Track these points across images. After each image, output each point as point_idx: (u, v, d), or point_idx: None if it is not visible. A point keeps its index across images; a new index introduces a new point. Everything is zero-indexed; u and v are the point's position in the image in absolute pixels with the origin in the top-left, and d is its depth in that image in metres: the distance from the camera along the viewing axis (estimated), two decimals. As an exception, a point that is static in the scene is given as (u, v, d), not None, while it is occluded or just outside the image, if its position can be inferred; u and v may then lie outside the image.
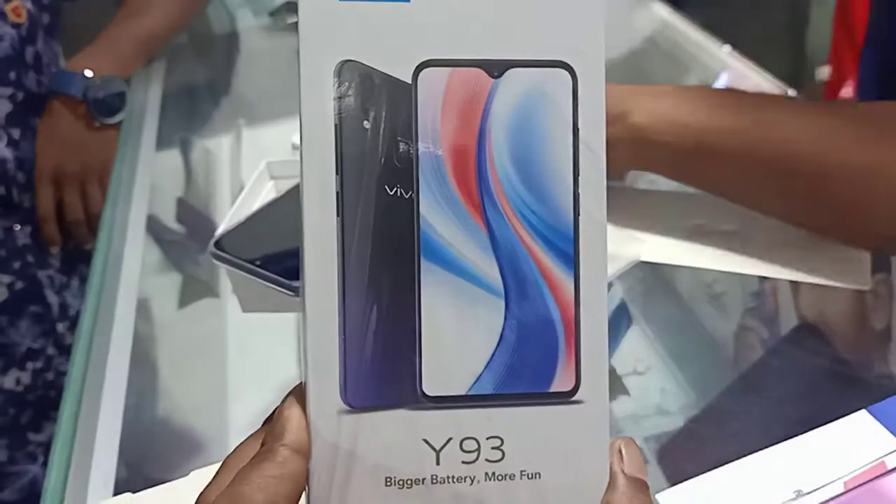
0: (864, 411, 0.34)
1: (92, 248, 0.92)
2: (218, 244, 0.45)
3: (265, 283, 0.43)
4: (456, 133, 0.24)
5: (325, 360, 0.24)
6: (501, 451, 0.24)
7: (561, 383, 0.24)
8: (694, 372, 0.68)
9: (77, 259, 0.93)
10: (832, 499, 0.30)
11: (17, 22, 0.84)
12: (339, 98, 0.24)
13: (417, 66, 0.24)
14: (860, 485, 0.30)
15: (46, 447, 0.88)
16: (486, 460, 0.24)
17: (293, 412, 0.24)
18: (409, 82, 0.24)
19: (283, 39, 1.13)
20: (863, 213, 0.41)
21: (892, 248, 0.44)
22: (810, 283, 0.55)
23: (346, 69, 0.24)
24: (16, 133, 0.85)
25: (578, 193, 0.24)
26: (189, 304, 0.82)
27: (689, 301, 0.72)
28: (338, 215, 0.24)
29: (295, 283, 0.41)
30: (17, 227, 0.86)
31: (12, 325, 0.86)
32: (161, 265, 0.83)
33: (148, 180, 0.79)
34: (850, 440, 0.32)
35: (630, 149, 0.46)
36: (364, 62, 0.24)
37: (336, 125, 0.24)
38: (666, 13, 0.81)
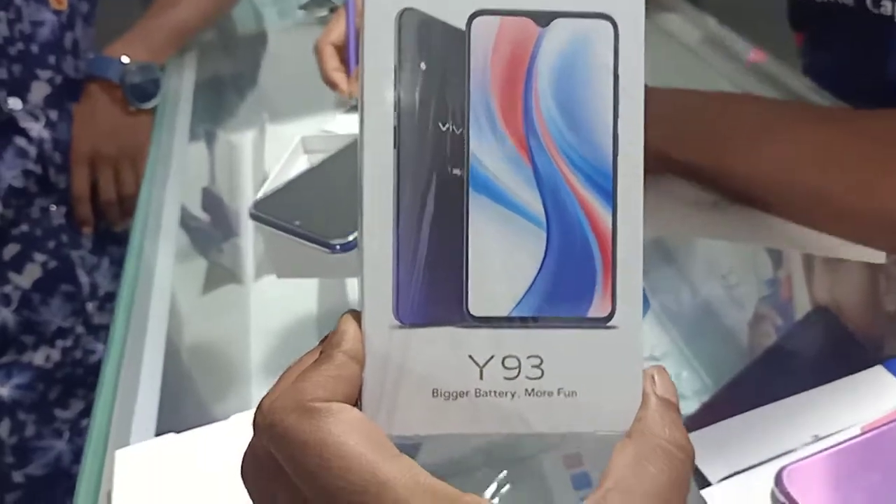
0: (879, 366, 0.35)
1: (123, 230, 0.95)
2: (258, 206, 0.48)
3: (303, 241, 0.45)
4: (505, 76, 0.26)
5: (380, 279, 0.26)
6: (541, 369, 0.26)
7: (598, 309, 0.26)
8: (709, 358, 0.70)
9: (108, 241, 0.95)
10: (849, 440, 0.31)
11: (58, 9, 0.87)
12: (399, 42, 0.26)
13: (471, 15, 0.26)
14: (876, 428, 0.31)
15: (72, 424, 0.90)
16: (527, 377, 0.26)
17: (350, 326, 0.26)
18: (463, 29, 0.26)
19: (309, 36, 1.15)
20: (865, 230, 0.42)
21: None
22: (824, 267, 0.57)
23: (406, 16, 0.26)
24: (53, 115, 0.88)
25: (618, 134, 0.26)
26: (212, 290, 0.84)
27: (704, 290, 0.74)
28: (394, 147, 0.26)
29: (332, 241, 0.44)
30: (53, 208, 0.89)
31: (44, 303, 0.88)
32: (185, 252, 0.85)
33: (182, 166, 0.82)
34: (867, 391, 0.34)
35: (655, 166, 0.48)
36: (422, 10, 0.26)
37: (395, 66, 0.26)
38: (686, 10, 0.83)
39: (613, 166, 0.26)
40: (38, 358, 0.88)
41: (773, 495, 0.32)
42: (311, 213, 0.47)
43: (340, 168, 0.51)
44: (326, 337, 0.27)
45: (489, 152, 0.26)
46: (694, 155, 0.47)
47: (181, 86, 0.92)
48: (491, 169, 0.26)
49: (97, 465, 0.41)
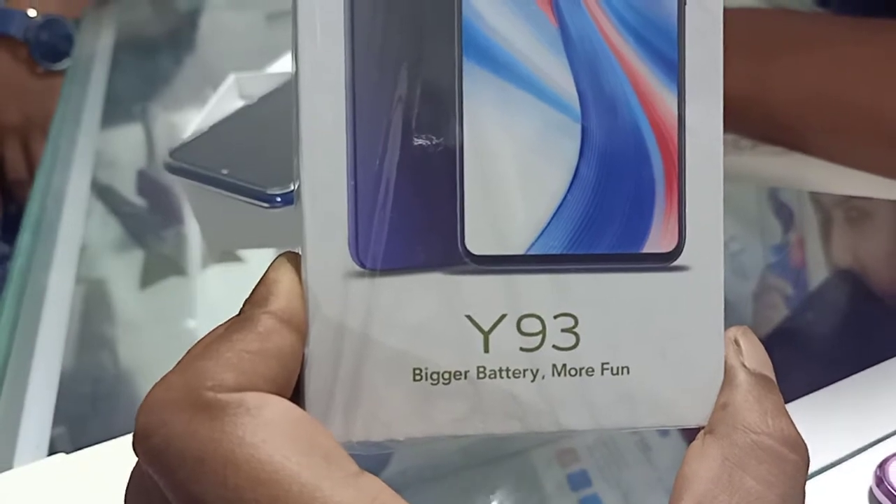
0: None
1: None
2: (175, 154, 0.38)
3: (233, 195, 0.35)
4: None
5: (329, 202, 0.16)
6: (575, 334, 0.17)
7: (658, 241, 0.17)
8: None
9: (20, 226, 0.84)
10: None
11: (-50, -46, 0.76)
12: None
13: None
14: None
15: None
16: (555, 347, 0.17)
17: (283, 274, 0.16)
18: None
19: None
20: None
21: None
22: (845, 223, 0.49)
23: None
24: (-52, 79, 0.77)
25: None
26: (152, 283, 0.76)
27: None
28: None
29: (270, 191, 0.34)
30: (-49, 188, 0.78)
31: (-56, 298, 0.77)
32: (120, 241, 0.78)
33: (93, 139, 0.73)
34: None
35: None
36: None
37: None
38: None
39: (679, 22, 0.17)
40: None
41: (871, 496, 0.24)
42: (243, 160, 0.37)
43: (280, 107, 0.41)
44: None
45: (493, 2, 0.17)
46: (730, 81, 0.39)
47: (97, 45, 0.82)
48: (496, 27, 0.17)
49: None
